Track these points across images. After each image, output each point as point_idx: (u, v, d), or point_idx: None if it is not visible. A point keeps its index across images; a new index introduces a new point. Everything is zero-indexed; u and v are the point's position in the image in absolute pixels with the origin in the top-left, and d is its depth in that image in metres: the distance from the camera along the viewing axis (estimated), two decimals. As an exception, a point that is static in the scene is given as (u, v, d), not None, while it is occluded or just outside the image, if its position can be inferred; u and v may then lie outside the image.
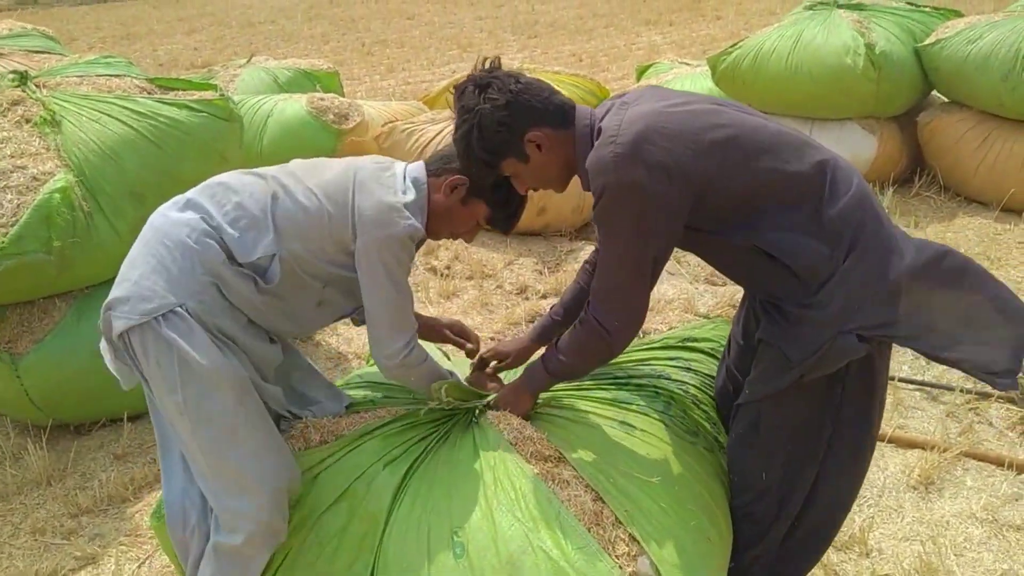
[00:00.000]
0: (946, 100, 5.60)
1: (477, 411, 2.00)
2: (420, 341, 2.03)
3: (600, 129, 1.73)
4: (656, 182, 1.64)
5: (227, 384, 1.75)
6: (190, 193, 1.86)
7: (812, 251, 1.70)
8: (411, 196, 1.89)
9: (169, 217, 1.82)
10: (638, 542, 1.64)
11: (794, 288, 1.74)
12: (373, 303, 1.88)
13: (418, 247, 1.97)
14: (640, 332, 2.37)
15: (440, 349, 2.51)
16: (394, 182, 1.90)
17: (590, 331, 1.81)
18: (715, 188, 1.70)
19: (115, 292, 1.77)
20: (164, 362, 1.72)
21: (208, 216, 1.80)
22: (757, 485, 1.93)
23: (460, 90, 1.79)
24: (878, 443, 2.97)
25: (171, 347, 1.71)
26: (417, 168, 1.97)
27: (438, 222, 1.98)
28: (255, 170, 1.93)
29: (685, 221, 1.73)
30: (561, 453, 1.83)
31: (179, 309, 1.72)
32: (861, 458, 1.96)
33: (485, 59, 1.84)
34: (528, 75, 1.81)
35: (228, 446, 1.75)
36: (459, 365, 2.37)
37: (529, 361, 2.14)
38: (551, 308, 2.21)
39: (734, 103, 1.87)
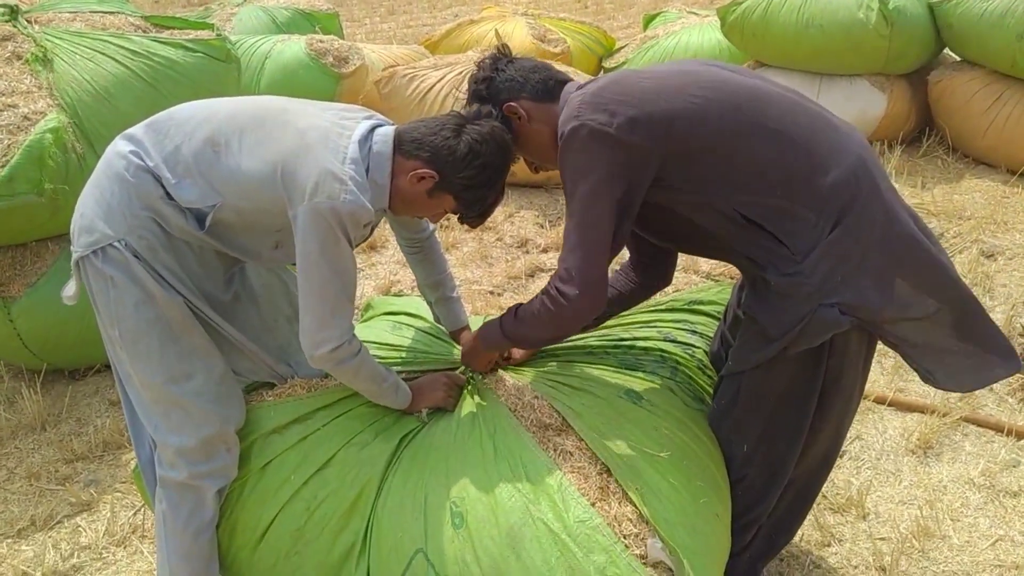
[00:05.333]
0: (958, 59, 5.49)
1: (474, 378, 1.97)
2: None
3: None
4: (619, 130, 1.60)
5: (165, 320, 1.75)
6: (140, 125, 1.79)
7: (795, 216, 1.63)
8: (361, 170, 1.69)
9: (115, 147, 1.78)
10: (646, 522, 1.60)
11: (777, 257, 1.66)
12: (303, 283, 1.69)
13: (371, 231, 1.82)
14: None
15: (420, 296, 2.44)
16: (347, 150, 1.69)
17: (549, 301, 1.71)
18: (689, 123, 1.63)
19: (72, 223, 1.79)
20: (101, 296, 1.75)
21: (146, 154, 1.73)
22: (739, 454, 1.91)
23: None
24: (878, 406, 2.98)
25: (107, 281, 1.72)
26: (384, 140, 1.76)
27: (399, 204, 1.81)
28: (214, 106, 1.79)
29: (650, 178, 1.66)
30: (565, 421, 1.78)
31: (117, 244, 1.70)
32: (847, 421, 1.95)
33: (501, 46, 1.94)
34: (533, 60, 1.90)
35: (167, 381, 1.76)
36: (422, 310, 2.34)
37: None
38: None
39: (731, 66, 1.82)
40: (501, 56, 1.89)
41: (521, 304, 1.84)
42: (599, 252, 1.65)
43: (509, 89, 1.82)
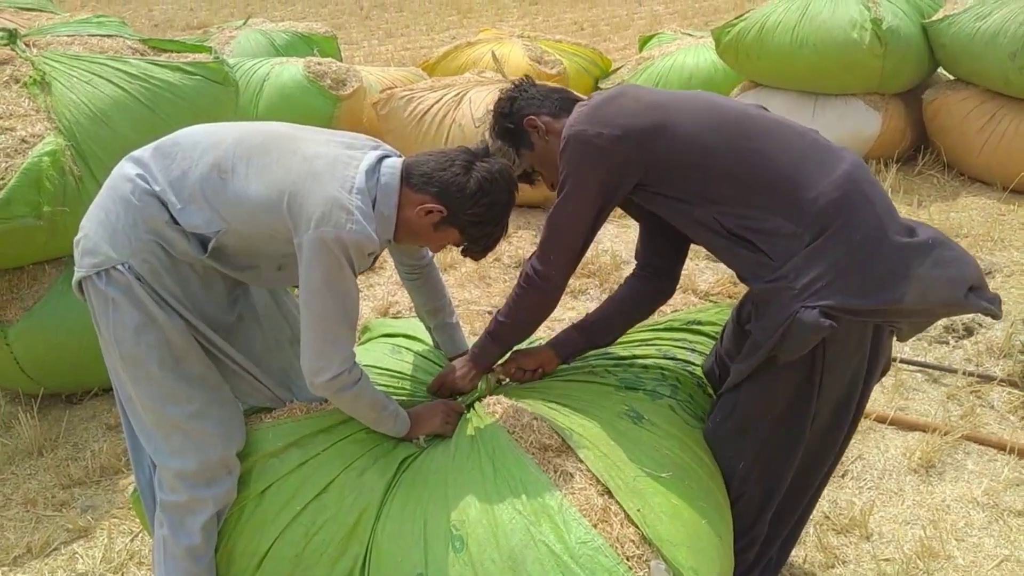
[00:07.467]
0: (952, 78, 5.53)
1: (474, 400, 1.96)
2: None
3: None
4: (608, 141, 1.74)
5: (166, 343, 1.74)
6: (147, 148, 1.79)
7: (773, 229, 1.71)
8: (367, 200, 1.69)
9: (122, 169, 1.78)
10: (648, 543, 1.58)
11: (758, 265, 1.73)
12: (306, 311, 1.69)
13: (374, 260, 1.81)
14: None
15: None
16: (354, 180, 1.69)
17: (526, 281, 1.88)
18: (672, 137, 1.76)
19: (74, 241, 1.79)
20: (103, 317, 1.75)
21: (153, 178, 1.73)
22: (737, 471, 1.91)
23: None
24: (879, 425, 2.96)
25: (109, 303, 1.72)
26: (392, 172, 1.75)
27: (404, 234, 1.82)
28: (220, 131, 1.79)
29: (632, 184, 1.81)
30: (565, 442, 1.77)
31: (120, 267, 1.70)
32: (845, 437, 1.94)
33: (524, 77, 2.12)
34: (555, 86, 2.06)
35: (168, 404, 1.75)
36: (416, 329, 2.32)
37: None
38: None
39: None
40: (525, 81, 2.07)
41: (498, 313, 1.97)
42: (566, 245, 1.85)
43: (530, 105, 1.98)
